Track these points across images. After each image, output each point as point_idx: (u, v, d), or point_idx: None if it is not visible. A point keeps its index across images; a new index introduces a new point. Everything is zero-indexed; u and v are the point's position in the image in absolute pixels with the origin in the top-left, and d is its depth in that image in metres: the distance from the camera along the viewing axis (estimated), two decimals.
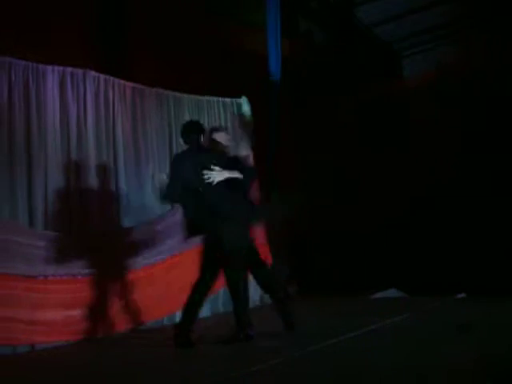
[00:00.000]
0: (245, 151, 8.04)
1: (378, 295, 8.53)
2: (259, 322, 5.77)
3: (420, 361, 4.29)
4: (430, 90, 9.45)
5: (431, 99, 9.41)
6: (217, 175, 5.36)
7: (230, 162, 5.57)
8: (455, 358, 4.30)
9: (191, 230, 5.60)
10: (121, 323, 6.61)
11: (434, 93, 9.38)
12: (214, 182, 5.34)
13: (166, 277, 7.13)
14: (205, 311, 7.54)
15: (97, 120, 6.88)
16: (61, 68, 6.61)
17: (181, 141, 5.93)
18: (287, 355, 4.69)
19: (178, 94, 7.78)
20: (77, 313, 6.25)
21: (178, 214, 7.40)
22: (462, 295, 7.90)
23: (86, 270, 6.40)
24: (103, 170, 6.86)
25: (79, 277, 6.36)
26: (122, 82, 7.20)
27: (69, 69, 6.67)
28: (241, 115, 8.26)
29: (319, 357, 4.66)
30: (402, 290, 8.57)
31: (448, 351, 4.54)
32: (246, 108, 8.26)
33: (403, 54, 10.41)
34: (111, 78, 7.08)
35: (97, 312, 6.40)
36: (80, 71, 6.77)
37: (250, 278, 5.80)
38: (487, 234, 8.55)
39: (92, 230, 6.63)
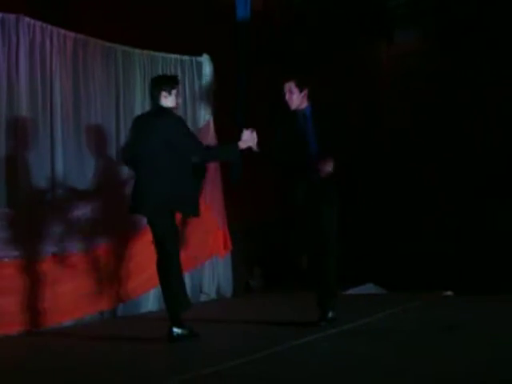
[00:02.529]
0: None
1: (353, 291, 8.60)
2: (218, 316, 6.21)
3: (397, 369, 4.29)
4: None
5: None
6: None
7: None
8: (438, 366, 4.32)
9: None
10: (57, 315, 6.62)
11: None
12: None
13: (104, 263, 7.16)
14: (151, 305, 7.65)
15: (31, 75, 6.78)
16: None
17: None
18: (246, 357, 4.74)
19: (127, 49, 7.72)
20: (8, 302, 6.25)
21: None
22: (449, 293, 8.05)
23: (14, 253, 6.37)
24: (37, 135, 6.77)
25: (6, 260, 6.33)
26: (62, 31, 7.09)
27: None
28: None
29: (275, 362, 4.70)
30: (379, 286, 8.73)
31: (430, 358, 4.58)
32: (208, 69, 8.20)
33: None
34: (49, 26, 6.96)
35: (33, 301, 6.43)
36: (12, 17, 6.62)
37: None
38: (476, 229, 8.93)
39: (21, 206, 6.56)
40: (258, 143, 5.68)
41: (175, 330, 5.42)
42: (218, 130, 8.22)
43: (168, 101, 5.62)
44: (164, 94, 5.61)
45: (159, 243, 5.60)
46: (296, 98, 6.00)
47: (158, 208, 5.53)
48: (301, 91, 6.00)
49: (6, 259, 6.33)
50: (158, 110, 5.64)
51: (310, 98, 6.04)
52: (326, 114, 6.10)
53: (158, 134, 5.51)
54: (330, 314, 5.93)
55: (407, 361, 4.55)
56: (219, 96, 8.24)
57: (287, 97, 6.02)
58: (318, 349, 5.12)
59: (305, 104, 6.04)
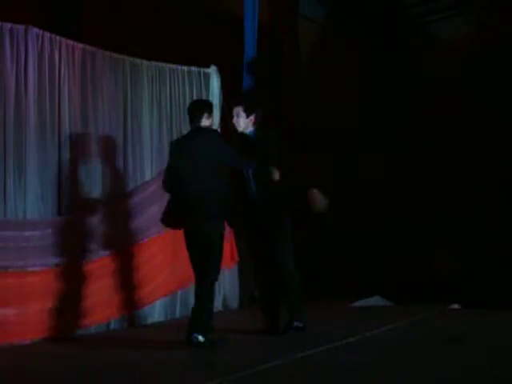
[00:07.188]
0: None
1: (359, 303, 8.60)
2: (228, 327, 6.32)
3: (401, 382, 4.33)
4: None
5: None
6: None
7: None
8: (441, 379, 4.36)
9: None
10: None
11: None
12: None
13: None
14: (158, 315, 7.70)
15: (39, 86, 6.81)
16: None
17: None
18: (249, 369, 4.76)
19: (135, 60, 7.76)
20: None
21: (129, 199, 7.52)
22: (456, 306, 8.02)
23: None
24: (45, 145, 6.81)
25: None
26: (71, 42, 7.13)
27: (7, 24, 6.55)
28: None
29: (280, 374, 4.72)
30: (386, 298, 8.70)
31: (434, 370, 4.61)
32: (215, 80, 8.23)
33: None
34: (58, 36, 7.00)
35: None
36: (21, 27, 6.65)
37: None
38: (486, 240, 8.79)
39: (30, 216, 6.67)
40: None
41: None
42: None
43: (208, 121, 6.20)
44: (206, 115, 6.18)
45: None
46: (243, 122, 6.49)
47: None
48: (248, 116, 6.49)
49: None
50: (197, 131, 6.14)
51: (257, 122, 6.51)
52: (269, 138, 6.53)
53: (203, 154, 5.98)
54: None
55: (411, 373, 4.56)
56: (226, 107, 8.28)
57: (234, 120, 6.57)
58: (321, 361, 5.11)
59: (250, 128, 6.52)
